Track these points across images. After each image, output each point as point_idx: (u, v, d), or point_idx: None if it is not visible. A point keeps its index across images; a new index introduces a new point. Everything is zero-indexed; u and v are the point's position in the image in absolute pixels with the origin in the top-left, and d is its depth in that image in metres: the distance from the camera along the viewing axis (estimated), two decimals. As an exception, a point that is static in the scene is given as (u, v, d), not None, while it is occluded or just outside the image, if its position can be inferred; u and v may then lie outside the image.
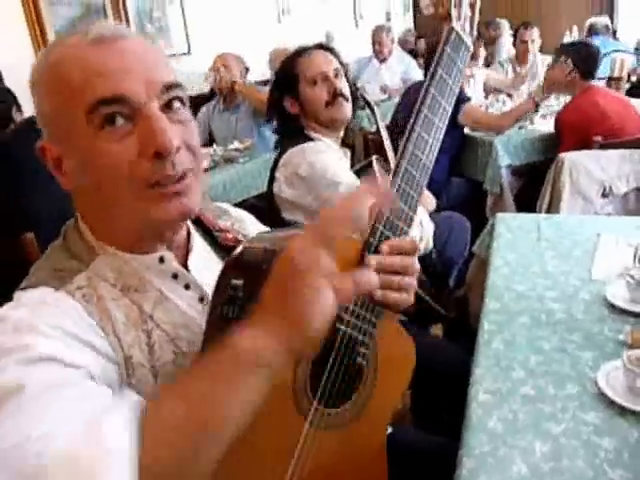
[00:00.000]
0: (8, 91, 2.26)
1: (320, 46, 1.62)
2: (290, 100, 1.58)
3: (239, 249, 0.68)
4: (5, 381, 0.53)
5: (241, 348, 0.50)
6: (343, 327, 0.69)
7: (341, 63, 1.61)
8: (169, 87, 0.65)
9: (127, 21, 3.72)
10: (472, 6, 0.80)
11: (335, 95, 1.54)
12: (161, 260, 0.70)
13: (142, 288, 0.69)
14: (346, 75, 1.61)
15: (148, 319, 0.68)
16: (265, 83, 3.94)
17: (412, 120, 0.70)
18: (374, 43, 4.84)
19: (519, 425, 0.84)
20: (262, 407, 0.52)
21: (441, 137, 0.74)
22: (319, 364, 0.69)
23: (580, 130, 2.40)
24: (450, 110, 0.74)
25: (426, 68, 3.00)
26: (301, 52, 1.59)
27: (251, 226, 0.90)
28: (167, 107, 0.65)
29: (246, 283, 0.63)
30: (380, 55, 4.81)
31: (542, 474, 0.75)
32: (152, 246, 0.70)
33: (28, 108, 2.29)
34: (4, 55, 2.88)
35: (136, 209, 0.64)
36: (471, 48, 0.77)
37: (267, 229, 0.92)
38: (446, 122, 0.73)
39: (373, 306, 0.71)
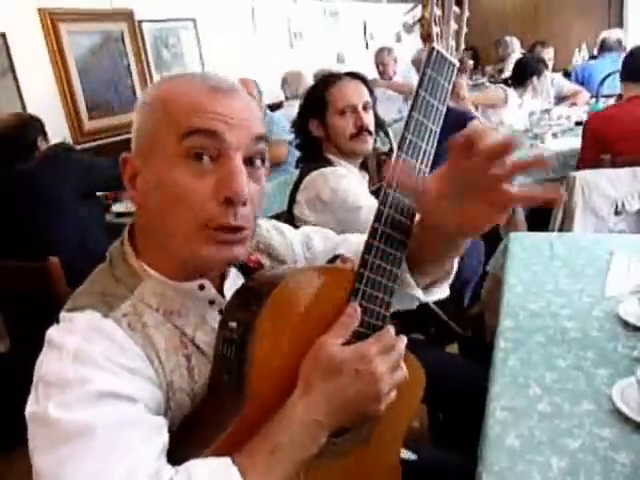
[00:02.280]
0: (38, 120, 2.31)
1: (354, 75, 1.64)
2: (316, 123, 1.62)
3: (237, 289, 0.71)
4: (74, 420, 0.58)
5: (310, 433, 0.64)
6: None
7: (371, 95, 1.64)
8: (258, 138, 0.70)
9: (144, 48, 3.83)
10: (459, 18, 0.76)
11: (361, 129, 1.58)
12: (201, 288, 0.74)
13: (184, 312, 0.72)
14: (373, 107, 1.64)
15: (189, 342, 0.71)
16: (278, 106, 4.03)
17: (397, 147, 0.69)
18: (377, 65, 4.94)
19: (536, 441, 0.86)
20: None
21: (430, 161, 0.71)
22: None
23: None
24: (438, 131, 0.72)
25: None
26: (334, 79, 1.62)
27: (278, 236, 0.91)
28: (250, 162, 0.70)
29: (239, 325, 0.65)
30: (385, 76, 4.89)
31: (559, 489, 0.77)
32: (194, 276, 0.73)
33: (49, 133, 2.37)
34: (27, 83, 3.00)
35: (190, 244, 0.68)
36: (457, 65, 0.74)
37: (292, 230, 0.95)
38: (434, 144, 0.72)
39: (372, 335, 0.70)
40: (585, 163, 2.45)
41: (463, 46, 0.77)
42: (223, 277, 0.78)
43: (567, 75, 5.08)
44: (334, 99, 1.58)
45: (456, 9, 0.75)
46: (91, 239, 2.15)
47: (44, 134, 2.28)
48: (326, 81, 1.64)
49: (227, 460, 0.60)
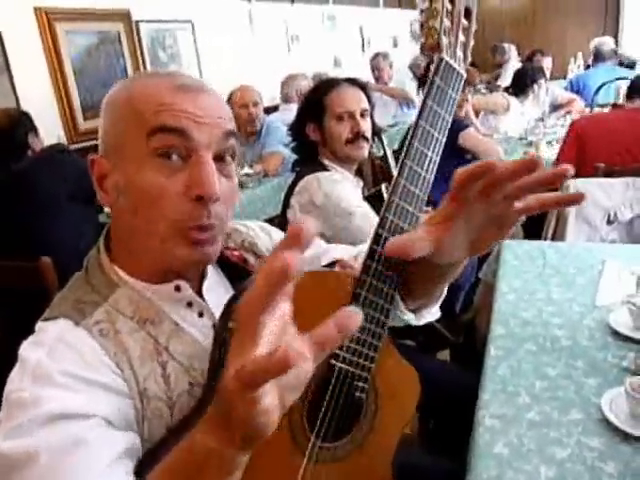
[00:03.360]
0: (25, 114, 2.29)
1: (354, 82, 1.65)
2: (312, 127, 1.62)
3: (235, 293, 0.70)
4: (17, 448, 0.57)
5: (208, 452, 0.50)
6: (339, 364, 0.69)
7: (370, 102, 1.64)
8: (228, 134, 0.69)
9: (141, 49, 3.82)
10: (466, 31, 0.77)
11: (357, 136, 1.59)
12: (177, 289, 0.72)
13: (158, 320, 0.71)
14: (371, 115, 1.65)
15: (163, 351, 0.69)
16: (275, 108, 4.03)
17: (403, 154, 0.70)
18: (373, 70, 4.96)
19: (525, 450, 0.86)
20: (258, 445, 0.52)
21: (435, 169, 0.72)
22: (316, 400, 0.69)
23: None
24: (443, 141, 0.72)
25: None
26: (334, 84, 1.62)
27: (265, 237, 0.91)
28: (220, 159, 0.69)
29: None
30: (381, 81, 4.91)
31: (547, 498, 0.77)
32: (169, 277, 0.72)
33: (43, 132, 2.36)
34: (22, 81, 2.98)
35: (163, 245, 0.67)
36: (464, 75, 0.75)
37: (279, 232, 0.94)
38: (440, 153, 0.72)
39: (370, 342, 0.70)
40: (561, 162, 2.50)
41: (470, 58, 0.78)
42: (201, 278, 0.77)
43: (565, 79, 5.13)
44: (332, 104, 1.59)
45: (464, 22, 0.76)
46: (85, 240, 2.13)
47: (34, 130, 2.27)
48: (325, 86, 1.64)
49: None
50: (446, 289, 0.84)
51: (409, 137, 0.70)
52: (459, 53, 0.76)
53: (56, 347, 0.63)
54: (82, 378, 0.62)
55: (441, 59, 0.72)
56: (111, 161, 0.69)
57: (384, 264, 0.69)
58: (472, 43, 0.78)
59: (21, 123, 2.23)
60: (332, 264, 0.89)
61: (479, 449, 0.88)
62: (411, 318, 0.82)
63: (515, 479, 0.81)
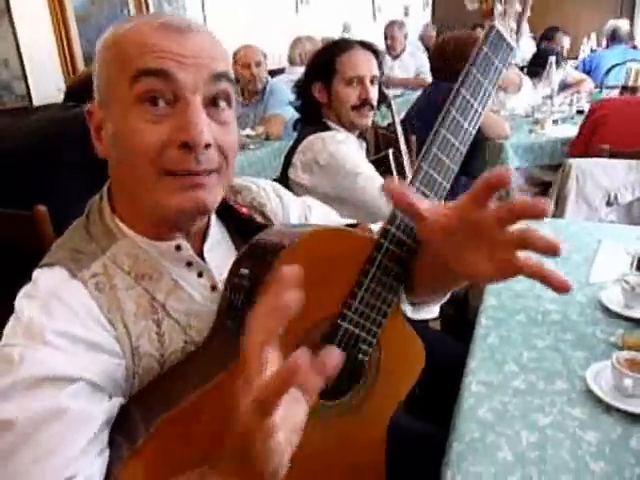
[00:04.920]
0: None
1: (367, 46, 1.61)
2: (319, 87, 1.59)
3: (252, 241, 0.69)
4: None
5: None
6: (345, 324, 0.68)
7: (380, 69, 1.61)
8: (218, 76, 0.65)
9: (146, 1, 3.73)
10: (524, 1, 0.74)
11: (364, 103, 1.56)
12: (177, 248, 0.71)
13: (156, 276, 0.70)
14: (380, 83, 1.62)
15: (160, 308, 0.69)
16: (281, 71, 3.97)
17: (439, 121, 0.66)
18: (386, 38, 4.85)
19: (508, 415, 0.88)
20: None
21: (470, 140, 0.68)
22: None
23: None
24: (483, 113, 0.69)
25: (432, 70, 2.98)
26: (347, 46, 1.58)
27: (276, 199, 0.89)
28: (213, 104, 0.66)
29: (251, 273, 0.64)
30: (393, 51, 4.81)
31: (526, 461, 0.79)
32: (169, 233, 0.71)
33: (44, 80, 2.32)
34: (23, 26, 2.92)
35: (152, 194, 0.65)
36: (515, 47, 0.72)
37: (292, 197, 0.93)
38: (477, 125, 0.69)
39: (379, 306, 0.69)
40: (578, 146, 2.48)
41: (523, 31, 0.75)
42: (203, 238, 0.76)
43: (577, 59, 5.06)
44: (343, 67, 1.56)
45: None
46: (88, 191, 2.11)
47: None
48: (337, 47, 1.60)
49: None
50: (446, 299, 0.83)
51: (447, 104, 0.66)
52: (512, 23, 0.72)
53: (49, 302, 0.63)
54: (73, 336, 0.62)
55: (492, 27, 0.68)
56: (104, 110, 0.67)
57: (404, 230, 0.67)
58: (528, 14, 0.75)
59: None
60: (354, 226, 0.88)
61: (463, 412, 0.89)
62: (408, 310, 0.81)
63: (497, 442, 0.83)
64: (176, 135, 0.63)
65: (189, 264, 0.73)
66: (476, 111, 0.68)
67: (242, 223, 0.80)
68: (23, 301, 0.65)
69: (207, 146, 0.64)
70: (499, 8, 0.70)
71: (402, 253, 0.68)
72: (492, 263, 0.57)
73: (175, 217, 0.68)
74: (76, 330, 0.62)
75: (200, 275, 0.74)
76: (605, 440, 0.82)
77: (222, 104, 0.67)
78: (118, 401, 0.66)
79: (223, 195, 0.72)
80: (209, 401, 0.61)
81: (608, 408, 0.87)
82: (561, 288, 0.55)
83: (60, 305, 0.63)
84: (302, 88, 1.66)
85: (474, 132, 0.69)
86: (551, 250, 0.53)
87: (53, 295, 0.64)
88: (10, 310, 0.66)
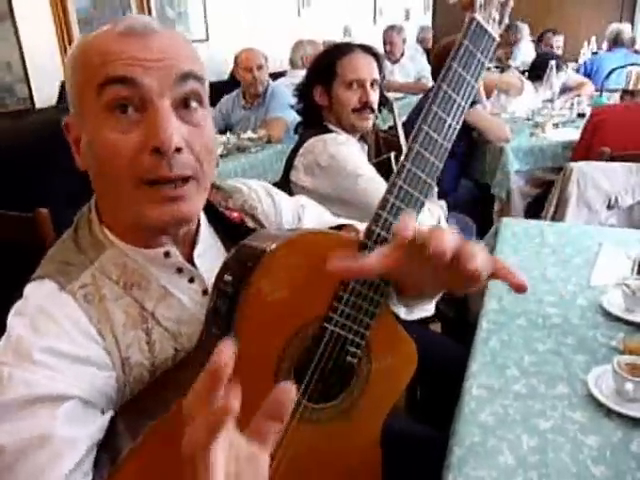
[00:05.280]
0: None
1: (367, 49, 1.61)
2: (320, 90, 1.60)
3: (237, 246, 0.68)
4: None
5: None
6: (331, 327, 0.67)
7: (381, 72, 1.62)
8: (184, 76, 0.64)
9: (148, 5, 3.74)
10: None
11: (365, 106, 1.57)
12: (166, 255, 0.71)
13: (145, 284, 0.69)
14: (380, 86, 1.62)
15: (149, 317, 0.69)
16: (283, 74, 3.98)
17: (420, 118, 0.65)
18: (385, 43, 4.84)
19: (509, 419, 0.88)
20: (244, 402, 0.53)
21: (454, 136, 0.67)
22: (306, 357, 0.68)
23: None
24: (467, 107, 0.68)
25: (433, 74, 2.99)
26: (347, 49, 1.58)
27: (267, 200, 0.88)
28: (184, 106, 0.64)
29: (234, 279, 0.64)
30: (392, 56, 4.80)
31: (527, 465, 0.79)
32: (156, 240, 0.70)
33: (45, 83, 2.32)
34: (26, 29, 2.93)
35: (132, 204, 0.64)
36: (497, 39, 0.69)
37: (285, 197, 0.92)
38: (461, 121, 0.68)
39: (366, 308, 0.68)
40: (579, 151, 2.48)
41: (507, 21, 0.71)
42: (193, 243, 0.75)
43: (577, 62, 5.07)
44: (343, 70, 1.56)
45: None
46: (87, 194, 2.11)
47: None
48: (338, 50, 1.61)
49: None
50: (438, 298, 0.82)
51: (428, 101, 0.66)
52: (494, 14, 0.69)
53: (37, 319, 0.63)
54: (61, 353, 0.62)
55: (472, 19, 0.67)
56: (78, 121, 0.67)
57: (388, 230, 0.66)
58: (512, 4, 0.72)
59: None
60: (340, 228, 0.88)
61: (464, 416, 0.89)
62: (401, 312, 0.81)
63: (498, 446, 0.83)
64: (146, 141, 0.61)
65: (179, 270, 0.72)
66: (459, 106, 0.67)
67: (232, 228, 0.80)
68: (13, 319, 0.65)
69: (178, 150, 0.62)
70: None
71: None
72: (451, 279, 0.59)
73: (157, 227, 0.68)
74: (64, 346, 0.62)
75: (191, 280, 0.73)
76: (606, 444, 0.82)
77: (193, 104, 0.65)
78: (109, 415, 0.66)
79: (207, 200, 0.71)
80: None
81: (609, 412, 0.88)
82: (519, 288, 0.58)
83: (48, 321, 0.63)
84: (303, 91, 1.66)
85: (458, 127, 0.67)
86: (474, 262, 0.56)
87: (41, 311, 0.64)
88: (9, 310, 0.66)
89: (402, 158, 0.66)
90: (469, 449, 0.83)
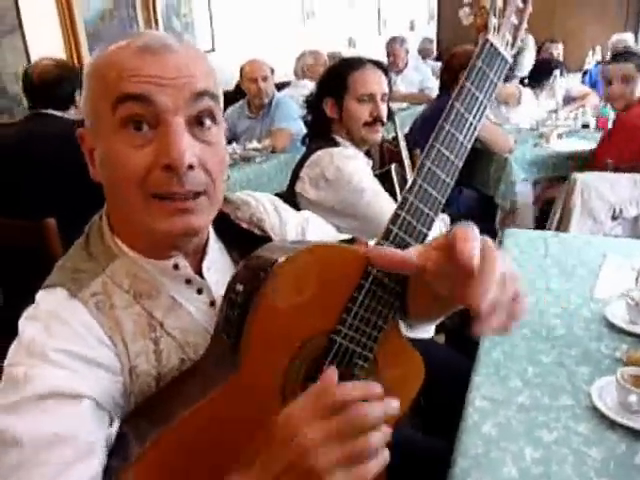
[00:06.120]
0: (74, 69, 2.24)
1: (378, 64, 1.65)
2: (330, 103, 1.62)
3: (248, 257, 0.69)
4: (8, 426, 0.59)
5: None
6: (339, 339, 0.67)
7: (389, 86, 1.65)
8: (199, 95, 0.64)
9: (155, 15, 3.78)
10: (521, 13, 0.72)
11: (375, 120, 1.60)
12: (175, 267, 0.72)
13: (155, 294, 0.70)
14: (388, 99, 1.65)
15: (158, 326, 0.69)
16: (288, 84, 4.01)
17: (433, 136, 0.66)
18: (388, 55, 4.87)
19: (512, 431, 0.88)
20: (251, 412, 0.55)
21: (466, 154, 0.68)
22: (314, 371, 0.68)
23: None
24: (478, 126, 0.68)
25: (441, 83, 3.01)
26: (359, 64, 1.62)
27: (273, 213, 0.89)
28: (198, 123, 0.65)
29: (245, 289, 0.64)
30: (395, 67, 4.83)
31: (531, 477, 0.79)
32: (166, 252, 0.71)
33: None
34: (35, 42, 2.97)
35: (143, 217, 0.65)
36: (510, 61, 0.70)
37: (292, 211, 0.93)
38: (472, 139, 0.68)
39: (374, 321, 0.68)
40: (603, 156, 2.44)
41: (520, 43, 0.73)
42: (202, 256, 0.76)
43: (584, 74, 5.08)
44: (355, 84, 1.59)
45: (519, 3, 0.72)
46: (95, 204, 2.12)
47: (80, 86, 2.24)
48: (350, 64, 1.64)
49: None
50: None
51: (441, 119, 0.66)
52: (508, 36, 0.70)
53: (50, 323, 0.64)
54: (75, 355, 0.63)
55: (486, 40, 0.67)
56: (92, 134, 0.68)
57: (398, 245, 0.66)
58: (525, 26, 0.73)
59: (69, 77, 2.14)
60: (350, 241, 0.87)
61: (468, 428, 0.90)
62: (402, 327, 0.80)
63: (501, 458, 0.83)
64: (159, 158, 0.63)
65: (188, 281, 0.73)
66: (471, 125, 0.68)
67: (242, 237, 0.81)
68: (25, 322, 0.66)
69: (190, 167, 0.63)
70: (493, 21, 0.69)
71: None
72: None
73: (166, 240, 0.69)
74: (77, 348, 0.63)
75: (200, 292, 0.74)
76: (610, 456, 0.82)
77: (207, 122, 0.66)
78: (116, 425, 0.66)
79: (216, 214, 0.72)
80: (211, 412, 0.62)
81: (613, 424, 0.87)
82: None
83: (61, 325, 0.64)
84: (313, 103, 1.68)
85: (469, 146, 0.68)
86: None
87: (53, 316, 0.65)
88: (19, 312, 0.67)
89: (414, 174, 0.67)
90: (472, 460, 0.83)
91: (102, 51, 0.67)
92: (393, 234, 0.66)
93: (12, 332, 0.66)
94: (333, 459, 0.51)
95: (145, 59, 0.63)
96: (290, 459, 0.52)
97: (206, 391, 0.62)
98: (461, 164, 0.68)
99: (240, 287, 0.65)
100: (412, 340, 0.83)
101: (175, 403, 0.65)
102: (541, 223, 2.56)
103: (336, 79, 1.62)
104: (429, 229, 0.68)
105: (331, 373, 0.56)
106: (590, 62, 5.39)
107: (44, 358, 0.61)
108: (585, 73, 5.25)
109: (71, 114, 2.16)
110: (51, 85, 2.10)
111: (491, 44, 0.68)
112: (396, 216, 0.66)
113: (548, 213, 2.73)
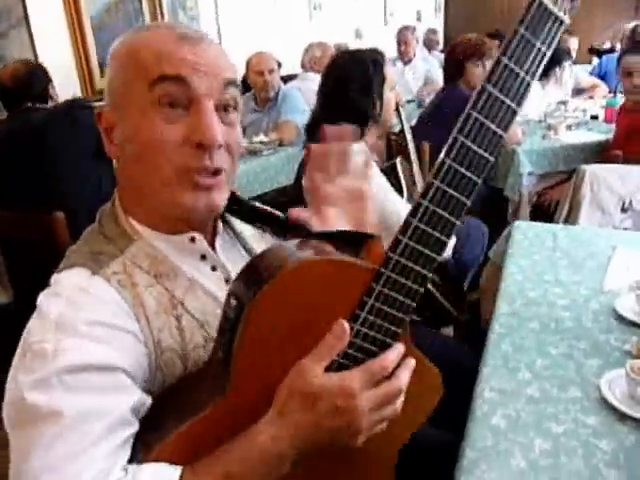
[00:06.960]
0: (41, 67, 2.32)
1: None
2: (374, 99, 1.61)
3: (247, 263, 0.66)
4: (47, 400, 0.58)
5: (270, 452, 0.60)
6: (346, 362, 0.64)
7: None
8: (228, 84, 0.71)
9: (161, 9, 3.78)
10: None
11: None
12: (192, 240, 0.75)
13: (173, 276, 0.72)
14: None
15: (179, 305, 0.71)
16: (294, 77, 4.00)
17: (455, 130, 0.58)
18: (399, 44, 4.84)
19: (521, 423, 0.88)
20: (245, 429, 0.55)
21: (498, 147, 0.59)
22: None
23: None
24: (519, 111, 0.59)
25: (445, 75, 2.98)
26: (382, 59, 1.67)
27: None
28: (224, 109, 0.71)
29: (237, 304, 0.61)
30: (406, 56, 4.80)
31: (539, 469, 0.79)
32: (181, 228, 0.74)
33: (60, 88, 2.36)
34: (41, 35, 2.97)
35: (168, 192, 0.68)
36: (566, 22, 0.57)
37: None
38: (509, 126, 0.59)
39: (381, 341, 0.65)
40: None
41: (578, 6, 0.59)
42: (214, 234, 0.80)
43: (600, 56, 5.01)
44: (387, 76, 1.63)
45: None
46: (102, 197, 2.14)
47: (51, 82, 2.28)
48: (378, 59, 1.69)
49: (175, 472, 0.58)
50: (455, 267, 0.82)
51: (469, 105, 0.57)
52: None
53: (76, 296, 0.64)
54: (105, 324, 0.63)
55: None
56: (117, 113, 0.71)
57: (408, 257, 0.61)
58: None
59: (39, 74, 2.23)
60: (369, 237, 0.83)
61: (476, 419, 0.90)
62: None
63: (510, 450, 0.83)
64: (192, 136, 0.67)
65: (203, 257, 0.76)
66: (508, 109, 0.59)
67: (261, 217, 0.85)
68: (47, 300, 0.65)
69: (219, 146, 0.69)
70: None
71: (404, 280, 0.63)
72: None
73: (188, 215, 0.72)
74: (106, 318, 0.64)
75: (214, 269, 0.77)
76: (619, 448, 0.82)
77: (230, 108, 0.72)
78: (146, 400, 0.66)
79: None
80: (206, 427, 0.61)
81: (622, 416, 0.87)
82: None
83: (88, 297, 0.65)
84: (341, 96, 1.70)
85: (504, 135, 0.60)
86: None
87: (79, 289, 0.65)
88: (29, 306, 0.67)
89: (430, 175, 0.61)
90: (481, 452, 0.83)
91: (135, 34, 0.72)
92: (402, 244, 0.61)
93: (23, 326, 0.66)
94: (376, 419, 0.65)
95: (183, 46, 0.68)
96: (339, 422, 0.61)
97: (202, 406, 0.61)
98: (493, 158, 0.59)
99: (234, 302, 0.62)
100: (419, 332, 0.82)
101: (173, 415, 0.64)
102: (534, 219, 2.54)
103: (375, 74, 1.65)
104: (449, 237, 0.63)
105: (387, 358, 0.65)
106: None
107: (75, 332, 0.62)
108: (601, 56, 5.16)
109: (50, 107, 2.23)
110: (25, 83, 2.19)
111: (540, 2, 0.55)
112: (407, 224, 0.61)
113: (542, 207, 2.72)
